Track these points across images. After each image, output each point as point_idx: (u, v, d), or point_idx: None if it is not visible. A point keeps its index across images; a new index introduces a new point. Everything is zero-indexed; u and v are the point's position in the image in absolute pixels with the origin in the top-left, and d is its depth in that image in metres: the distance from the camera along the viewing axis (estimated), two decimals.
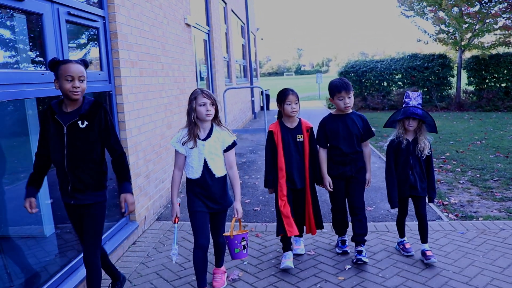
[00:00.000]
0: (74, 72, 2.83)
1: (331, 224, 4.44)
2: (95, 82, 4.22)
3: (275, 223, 4.37)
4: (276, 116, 4.18)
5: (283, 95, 3.95)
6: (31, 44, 3.55)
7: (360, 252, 4.02)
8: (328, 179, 4.11)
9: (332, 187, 4.12)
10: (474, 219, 5.05)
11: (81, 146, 2.94)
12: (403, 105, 4.04)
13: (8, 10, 3.19)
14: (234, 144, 3.44)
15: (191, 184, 3.41)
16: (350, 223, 4.27)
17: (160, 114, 5.84)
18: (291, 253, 4.13)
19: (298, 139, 4.00)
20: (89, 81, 3.97)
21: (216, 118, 3.38)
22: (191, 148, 3.30)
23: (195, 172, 3.35)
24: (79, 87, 2.85)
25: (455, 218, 5.16)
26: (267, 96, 18.14)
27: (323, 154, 4.14)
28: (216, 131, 3.38)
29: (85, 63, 2.98)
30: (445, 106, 18.15)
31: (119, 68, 4.56)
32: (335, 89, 4.01)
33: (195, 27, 8.51)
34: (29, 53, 3.55)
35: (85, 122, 2.94)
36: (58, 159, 2.95)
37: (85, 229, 3.07)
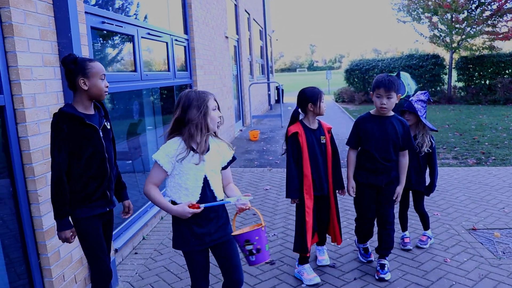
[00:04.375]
0: (104, 71, 2.72)
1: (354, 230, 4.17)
2: (184, 78, 7.18)
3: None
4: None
5: (318, 94, 3.62)
6: (171, 57, 6.51)
7: (383, 267, 3.76)
8: (352, 184, 3.76)
9: (354, 193, 3.77)
10: None
11: (110, 148, 2.84)
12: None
13: (159, 42, 6.13)
14: (234, 159, 2.79)
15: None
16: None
17: None
18: (310, 266, 3.85)
19: (321, 141, 3.69)
20: (181, 78, 6.96)
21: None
22: (197, 164, 2.54)
23: (191, 195, 2.56)
24: (108, 86, 2.76)
25: None
26: (282, 91, 21.12)
27: (352, 155, 3.77)
28: (214, 143, 2.69)
29: None
30: (437, 100, 20.82)
31: (195, 70, 7.54)
32: (375, 83, 3.55)
33: (230, 38, 11.48)
34: (164, 62, 6.49)
35: (108, 123, 2.87)
36: (97, 166, 2.72)
37: (109, 235, 2.98)
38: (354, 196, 3.80)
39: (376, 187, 3.70)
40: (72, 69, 2.61)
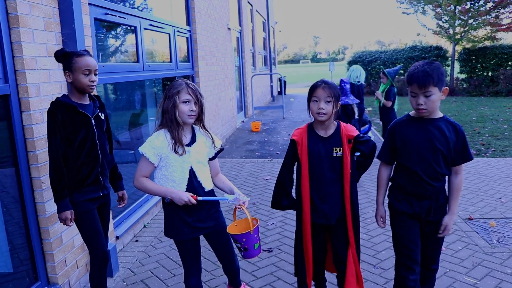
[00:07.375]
0: (91, 66, 2.77)
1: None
2: (186, 69, 7.24)
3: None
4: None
5: (310, 89, 2.81)
6: (173, 48, 6.58)
7: None
8: (381, 212, 2.90)
9: (384, 224, 2.92)
10: None
11: (103, 136, 2.96)
12: None
13: (161, 33, 6.20)
14: (221, 149, 2.82)
15: (171, 204, 2.64)
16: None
17: (215, 90, 8.91)
18: None
19: (334, 153, 2.78)
20: (183, 69, 7.03)
21: (200, 121, 2.71)
22: (181, 154, 2.58)
23: (178, 187, 2.61)
24: (95, 80, 2.81)
25: None
26: (284, 82, 21.18)
27: (383, 173, 2.85)
28: (201, 135, 2.74)
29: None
30: None
31: (197, 61, 7.60)
32: (407, 78, 2.57)
33: (233, 29, 11.52)
34: (166, 53, 6.56)
35: (103, 114, 3.00)
36: (88, 152, 2.83)
37: (106, 218, 3.13)
38: (383, 226, 2.95)
39: (419, 217, 2.71)
40: (61, 62, 2.80)
